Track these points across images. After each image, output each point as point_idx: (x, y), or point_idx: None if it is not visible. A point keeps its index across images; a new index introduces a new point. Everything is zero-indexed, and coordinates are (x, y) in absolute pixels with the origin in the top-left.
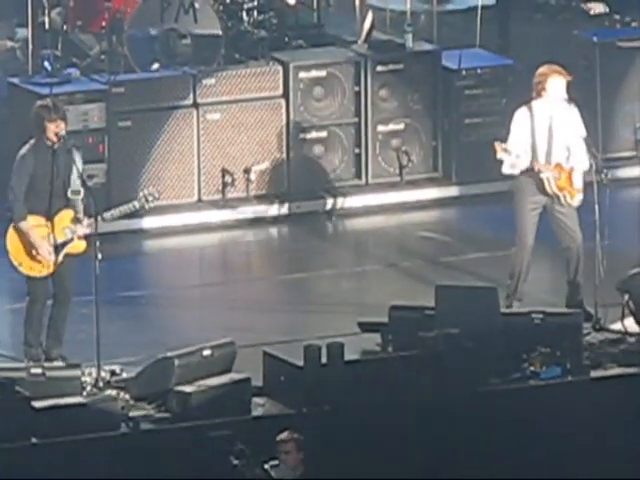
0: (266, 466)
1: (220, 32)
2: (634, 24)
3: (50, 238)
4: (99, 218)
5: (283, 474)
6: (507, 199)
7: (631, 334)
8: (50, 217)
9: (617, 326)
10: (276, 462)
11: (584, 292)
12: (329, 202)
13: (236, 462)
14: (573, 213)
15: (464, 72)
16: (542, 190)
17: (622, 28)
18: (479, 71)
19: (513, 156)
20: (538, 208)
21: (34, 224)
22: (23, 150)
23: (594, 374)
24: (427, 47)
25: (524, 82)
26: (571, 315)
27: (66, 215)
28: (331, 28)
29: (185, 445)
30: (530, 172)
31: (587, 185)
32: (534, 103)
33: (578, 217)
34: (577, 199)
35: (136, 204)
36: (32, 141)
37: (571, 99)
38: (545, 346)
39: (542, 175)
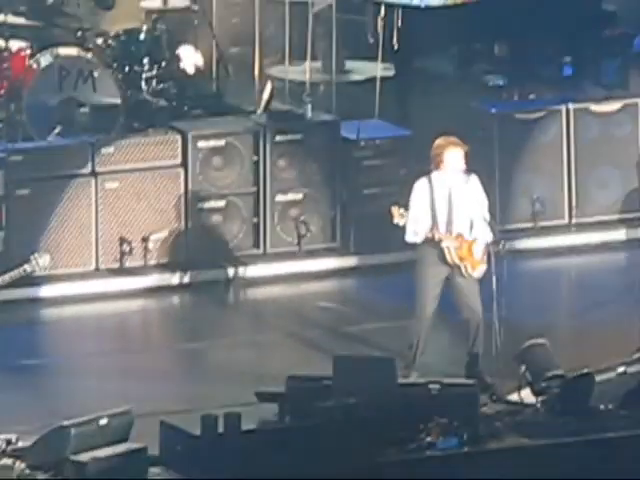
0: None
1: (119, 101)
2: (532, 96)
3: None
4: None
5: None
6: (405, 269)
7: (527, 405)
8: None
9: (514, 397)
10: None
11: (482, 363)
12: (228, 271)
13: None
14: (474, 284)
15: (363, 143)
16: (444, 260)
17: (520, 100)
18: (377, 142)
19: (411, 220)
20: (440, 278)
21: None
22: None
23: (490, 445)
24: (326, 117)
25: (423, 152)
26: (468, 386)
27: None
28: (230, 97)
29: None
30: (432, 242)
31: (485, 256)
32: (433, 175)
33: (478, 288)
34: (478, 270)
35: (27, 268)
36: None
37: (470, 170)
38: (442, 416)
39: (443, 244)
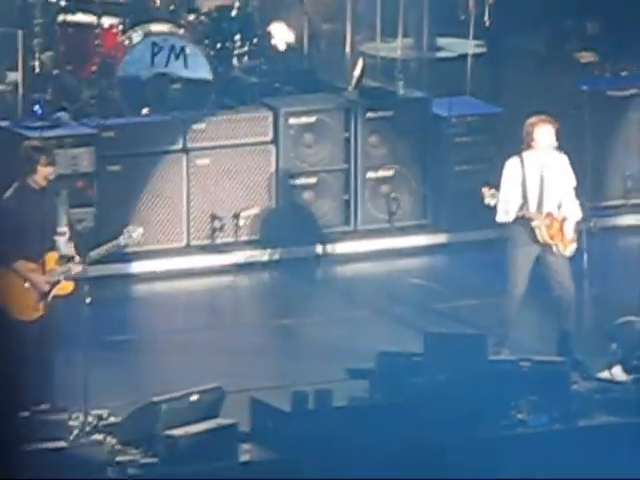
0: None
1: (210, 77)
2: (624, 73)
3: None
4: (86, 260)
5: None
6: (496, 246)
7: (618, 383)
8: (38, 260)
9: (605, 375)
10: None
11: (573, 340)
12: (318, 248)
13: None
14: (565, 263)
15: (454, 119)
16: (535, 239)
17: (612, 77)
18: (469, 119)
19: (502, 200)
20: (531, 257)
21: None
22: (6, 194)
23: (581, 423)
24: (417, 94)
25: (514, 130)
26: (559, 363)
27: (51, 257)
28: (321, 74)
29: None
30: (523, 221)
31: (576, 233)
32: (525, 153)
33: (570, 266)
34: (569, 249)
35: (121, 240)
36: (16, 184)
37: (560, 148)
38: (533, 394)
39: (533, 224)
